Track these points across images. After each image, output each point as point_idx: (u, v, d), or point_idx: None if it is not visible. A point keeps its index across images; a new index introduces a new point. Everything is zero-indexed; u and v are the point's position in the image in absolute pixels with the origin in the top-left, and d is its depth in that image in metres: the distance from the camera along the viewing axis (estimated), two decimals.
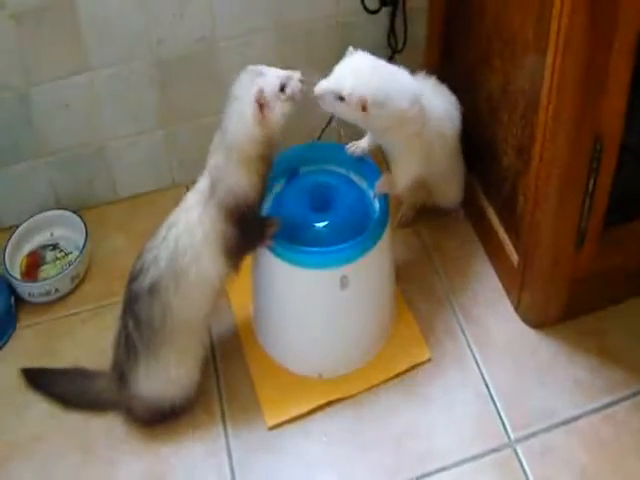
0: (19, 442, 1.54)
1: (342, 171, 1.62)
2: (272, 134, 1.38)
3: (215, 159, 1.42)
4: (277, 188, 1.60)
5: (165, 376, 1.45)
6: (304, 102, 1.41)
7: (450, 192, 1.77)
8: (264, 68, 1.38)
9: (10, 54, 1.65)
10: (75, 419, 1.56)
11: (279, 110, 1.37)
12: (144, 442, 1.53)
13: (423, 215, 1.85)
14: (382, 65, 1.47)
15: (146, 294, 1.40)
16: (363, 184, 1.61)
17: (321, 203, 1.56)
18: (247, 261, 1.58)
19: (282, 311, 1.57)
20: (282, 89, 1.37)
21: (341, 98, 1.39)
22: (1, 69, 1.66)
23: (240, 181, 1.39)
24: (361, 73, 1.41)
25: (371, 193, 1.58)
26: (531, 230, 1.55)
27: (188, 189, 1.89)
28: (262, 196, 1.45)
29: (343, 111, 1.42)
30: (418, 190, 1.76)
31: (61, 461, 1.52)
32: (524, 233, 1.58)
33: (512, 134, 1.58)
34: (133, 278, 1.43)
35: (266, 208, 1.56)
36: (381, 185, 1.54)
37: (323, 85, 1.40)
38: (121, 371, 1.47)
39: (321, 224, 1.52)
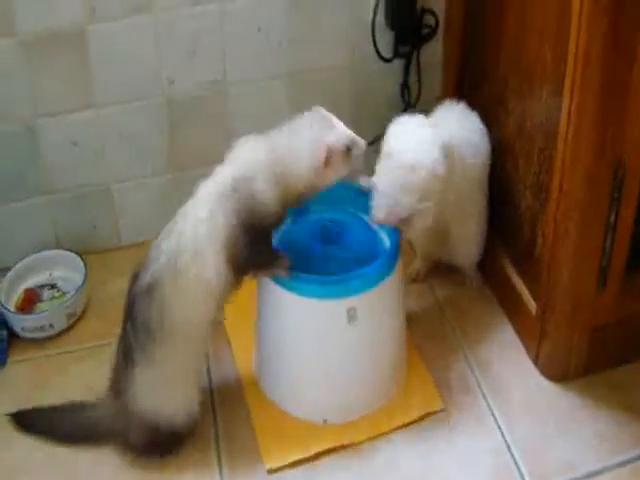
0: (2, 475, 1.46)
1: (353, 210, 1.58)
2: (322, 185, 1.37)
3: (252, 158, 1.36)
4: (284, 225, 1.54)
5: (161, 385, 1.37)
6: None
7: (467, 244, 1.70)
8: (333, 119, 1.38)
9: (18, 83, 1.64)
10: (63, 452, 1.47)
11: (339, 168, 1.36)
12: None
13: (436, 272, 1.79)
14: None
15: (144, 293, 1.33)
16: (376, 225, 1.55)
17: (330, 238, 1.52)
18: (250, 303, 1.53)
19: (285, 345, 1.49)
20: (348, 150, 1.36)
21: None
22: (8, 98, 1.65)
23: (267, 196, 1.33)
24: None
25: (382, 233, 1.53)
26: (550, 272, 1.48)
27: None
28: (278, 223, 1.41)
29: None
30: (433, 241, 1.71)
31: None
32: (542, 276, 1.51)
33: (529, 174, 1.54)
34: (135, 277, 1.36)
35: (274, 241, 1.51)
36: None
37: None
38: (118, 385, 1.39)
39: (329, 257, 1.48)
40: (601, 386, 1.56)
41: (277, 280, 1.42)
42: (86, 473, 1.45)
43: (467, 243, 1.70)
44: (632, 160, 1.34)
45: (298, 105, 1.81)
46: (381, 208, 1.42)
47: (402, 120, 1.51)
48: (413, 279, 1.77)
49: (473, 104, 1.67)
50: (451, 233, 1.67)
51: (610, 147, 1.32)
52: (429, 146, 1.42)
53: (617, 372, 1.58)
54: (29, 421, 1.50)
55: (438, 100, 1.71)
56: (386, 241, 1.52)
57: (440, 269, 1.79)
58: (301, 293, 1.40)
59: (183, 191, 1.84)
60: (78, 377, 1.61)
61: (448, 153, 1.44)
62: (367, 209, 1.53)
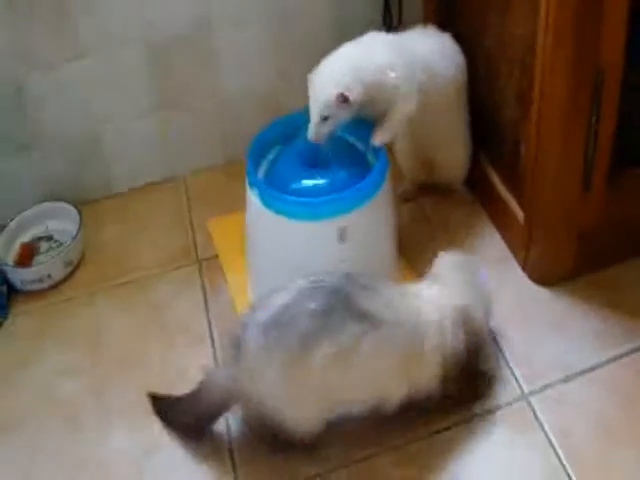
0: (5, 420, 1.49)
1: (340, 134, 1.57)
2: None
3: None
4: (273, 153, 1.57)
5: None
6: None
7: (453, 162, 1.72)
8: None
9: (1, 40, 1.64)
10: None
11: None
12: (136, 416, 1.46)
13: (425, 191, 1.81)
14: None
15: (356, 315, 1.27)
16: (361, 146, 1.57)
17: (318, 163, 1.52)
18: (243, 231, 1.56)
19: (278, 271, 1.49)
20: None
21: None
22: None
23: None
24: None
25: (370, 155, 1.55)
26: (535, 178, 1.49)
27: (184, 180, 1.93)
28: None
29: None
30: (420, 162, 1.73)
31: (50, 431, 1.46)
32: (528, 183, 1.52)
33: (511, 84, 1.55)
34: None
35: (262, 171, 1.53)
36: (376, 135, 1.49)
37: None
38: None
39: (317, 180, 1.48)
40: (590, 287, 1.58)
41: (267, 204, 1.44)
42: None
43: (452, 166, 1.73)
44: (610, 63, 1.34)
45: (281, 38, 1.84)
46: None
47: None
48: (404, 199, 1.79)
49: (454, 22, 1.68)
50: (436, 158, 1.70)
51: (589, 53, 1.32)
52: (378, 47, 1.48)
53: (605, 273, 1.59)
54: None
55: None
56: (373, 160, 1.53)
57: (429, 189, 1.80)
58: (291, 216, 1.42)
59: (169, 131, 1.89)
60: (79, 324, 1.64)
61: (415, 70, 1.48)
62: (353, 133, 1.57)
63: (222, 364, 1.43)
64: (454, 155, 1.71)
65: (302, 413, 1.30)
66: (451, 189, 1.79)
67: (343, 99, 1.40)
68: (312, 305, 1.25)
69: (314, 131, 1.44)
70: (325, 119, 1.43)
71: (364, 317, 1.26)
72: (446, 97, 1.59)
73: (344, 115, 1.44)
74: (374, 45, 1.50)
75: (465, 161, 1.72)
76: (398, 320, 1.29)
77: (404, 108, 1.48)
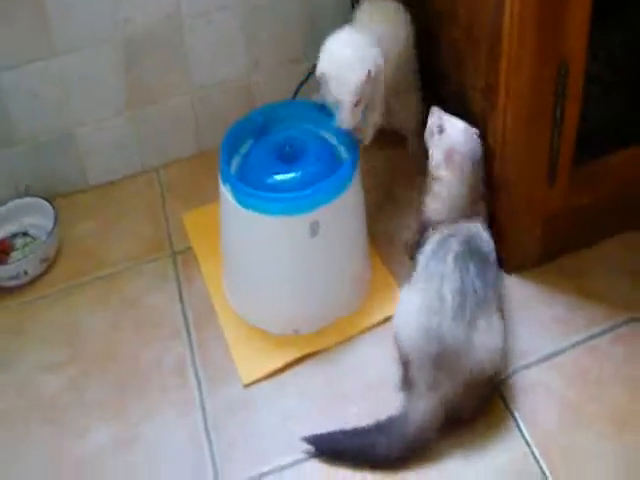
0: None
1: (312, 127, 1.61)
2: None
3: None
4: (245, 147, 1.59)
5: None
6: None
7: (405, 111, 1.77)
8: None
9: None
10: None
11: None
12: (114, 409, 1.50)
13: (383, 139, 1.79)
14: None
15: None
16: (334, 140, 1.60)
17: (290, 157, 1.54)
18: (218, 228, 1.58)
19: (252, 266, 1.54)
20: None
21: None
22: None
23: None
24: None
25: (342, 149, 1.57)
26: (502, 169, 1.52)
27: (158, 172, 1.94)
28: None
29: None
30: None
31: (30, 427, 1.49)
32: (495, 174, 1.55)
33: (478, 76, 1.57)
34: None
35: (234, 166, 1.55)
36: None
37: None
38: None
39: (289, 174, 1.50)
40: (555, 274, 1.61)
41: (239, 200, 1.46)
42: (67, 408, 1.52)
43: (405, 109, 1.78)
44: (574, 57, 1.37)
45: (252, 33, 1.86)
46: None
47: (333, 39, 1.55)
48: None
49: (422, 17, 1.70)
50: (390, 103, 1.72)
51: (552, 46, 1.35)
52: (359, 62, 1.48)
53: (569, 260, 1.63)
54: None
55: None
56: (345, 154, 1.55)
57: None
58: (263, 212, 1.44)
59: (142, 127, 1.90)
60: (57, 319, 1.65)
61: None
62: (324, 126, 1.59)
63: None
64: (406, 100, 1.76)
65: None
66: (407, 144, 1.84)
67: (370, 76, 1.45)
68: None
69: (349, 119, 1.47)
70: (356, 104, 1.45)
71: None
72: (398, 56, 1.64)
73: (372, 93, 1.50)
74: (356, 36, 1.54)
75: (417, 106, 1.77)
76: None
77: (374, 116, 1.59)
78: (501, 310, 1.42)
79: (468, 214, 1.50)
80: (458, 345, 1.33)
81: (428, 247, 1.47)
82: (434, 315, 1.34)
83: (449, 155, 1.48)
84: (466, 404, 1.36)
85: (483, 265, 1.41)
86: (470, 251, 1.41)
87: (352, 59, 1.47)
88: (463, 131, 1.50)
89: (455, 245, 1.42)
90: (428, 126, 1.53)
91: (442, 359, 1.33)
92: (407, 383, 1.38)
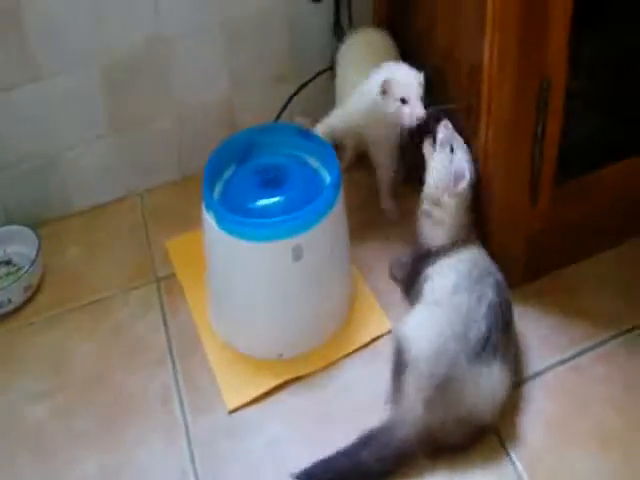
0: None
1: (293, 151, 1.61)
2: None
3: None
4: (228, 173, 1.58)
5: None
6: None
7: (383, 155, 1.77)
8: None
9: None
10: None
11: None
12: (100, 438, 1.48)
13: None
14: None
15: None
16: (316, 164, 1.60)
17: (273, 182, 1.54)
18: (203, 254, 1.58)
19: (236, 291, 1.53)
20: None
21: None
22: None
23: None
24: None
25: (324, 172, 1.57)
26: (485, 188, 1.53)
27: (142, 198, 1.94)
28: None
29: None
30: (358, 137, 1.80)
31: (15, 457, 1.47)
32: (479, 193, 1.56)
33: (459, 97, 1.58)
34: None
35: (217, 192, 1.55)
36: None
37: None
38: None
39: (272, 199, 1.50)
40: (540, 292, 1.62)
41: (223, 227, 1.46)
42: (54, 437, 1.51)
43: (382, 153, 1.78)
44: (555, 77, 1.38)
45: (234, 56, 1.86)
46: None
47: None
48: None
49: (404, 38, 1.71)
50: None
51: (534, 66, 1.36)
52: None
53: (554, 278, 1.64)
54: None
55: None
56: (327, 178, 1.56)
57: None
58: (246, 238, 1.44)
59: (127, 151, 1.90)
60: (42, 347, 1.65)
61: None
62: (306, 150, 1.59)
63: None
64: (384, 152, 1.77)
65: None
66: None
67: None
68: None
69: (421, 109, 1.53)
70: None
71: None
72: None
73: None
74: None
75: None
76: None
77: None
78: (512, 362, 1.42)
79: (464, 238, 1.50)
80: (467, 381, 1.33)
81: (449, 276, 1.46)
82: (456, 341, 1.34)
83: (457, 180, 1.47)
84: (451, 436, 1.35)
85: (510, 317, 1.43)
86: (504, 302, 1.41)
87: (407, 67, 1.58)
88: (467, 154, 1.50)
89: (490, 293, 1.41)
90: (438, 139, 1.52)
91: (447, 384, 1.32)
92: (396, 394, 1.37)
